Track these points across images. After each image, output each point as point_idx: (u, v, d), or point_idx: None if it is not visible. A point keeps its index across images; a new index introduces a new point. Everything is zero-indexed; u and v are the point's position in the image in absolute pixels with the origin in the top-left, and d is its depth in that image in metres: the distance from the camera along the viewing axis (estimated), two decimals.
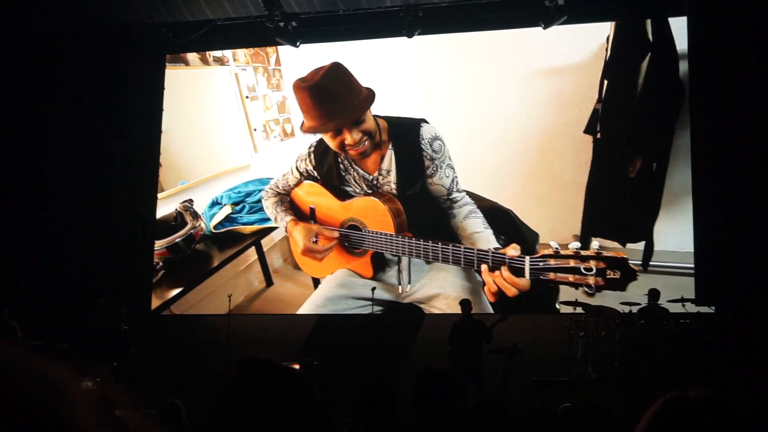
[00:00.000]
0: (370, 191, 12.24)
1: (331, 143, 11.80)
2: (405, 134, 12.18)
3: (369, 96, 11.95)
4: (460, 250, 9.56)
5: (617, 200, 12.61)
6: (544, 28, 12.73)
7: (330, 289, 12.86)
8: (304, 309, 13.13)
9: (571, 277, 7.07)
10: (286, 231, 12.62)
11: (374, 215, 11.90)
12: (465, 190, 12.06)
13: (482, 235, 11.58)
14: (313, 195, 12.55)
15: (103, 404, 0.80)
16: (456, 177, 12.03)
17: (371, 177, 12.21)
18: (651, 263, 12.27)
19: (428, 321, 12.46)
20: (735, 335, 10.53)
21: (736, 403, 1.44)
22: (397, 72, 13.91)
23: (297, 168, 12.75)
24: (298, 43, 13.82)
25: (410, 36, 13.41)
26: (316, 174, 12.59)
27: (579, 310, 11.18)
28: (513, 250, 8.12)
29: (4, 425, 0.75)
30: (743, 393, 8.59)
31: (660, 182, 12.35)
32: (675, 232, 12.24)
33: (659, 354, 10.44)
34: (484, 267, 8.44)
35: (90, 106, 14.19)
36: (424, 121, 12.19)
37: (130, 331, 11.17)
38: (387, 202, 11.92)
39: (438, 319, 12.18)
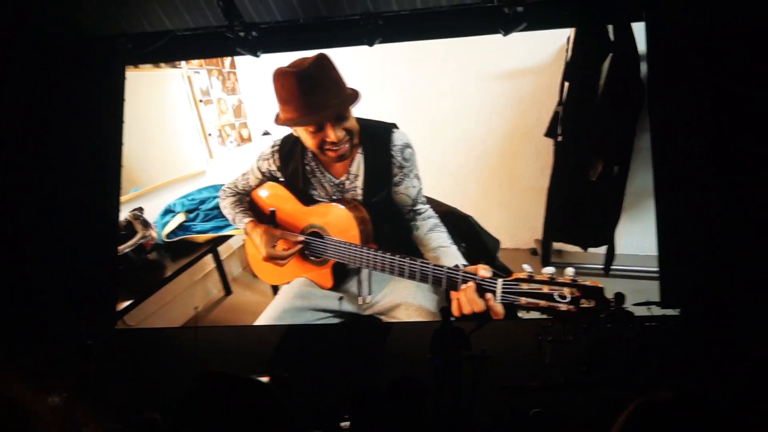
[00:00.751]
0: (335, 196, 11.89)
1: (310, 141, 11.26)
2: (376, 138, 11.70)
3: (354, 92, 11.56)
4: (428, 267, 9.40)
5: (579, 204, 12.51)
6: (504, 35, 12.77)
7: (288, 300, 12.36)
8: (261, 321, 12.68)
9: (543, 303, 7.03)
10: (245, 233, 12.25)
11: (338, 223, 11.55)
12: (425, 195, 11.90)
13: (448, 251, 11.27)
14: (274, 197, 12.15)
15: (67, 422, 0.77)
16: (421, 188, 11.72)
17: (338, 181, 11.84)
18: (613, 267, 12.27)
19: (396, 329, 12.41)
20: (700, 336, 10.62)
21: (704, 403, 1.44)
22: (356, 75, 13.79)
23: (258, 168, 12.34)
24: (258, 53, 13.77)
25: (371, 44, 13.42)
26: (279, 175, 12.22)
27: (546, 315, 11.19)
28: (484, 271, 8.03)
29: None
30: (710, 393, 8.66)
31: (621, 185, 12.30)
32: (637, 235, 12.23)
33: (625, 357, 10.50)
34: (463, 287, 8.32)
35: (49, 118, 14.03)
36: (395, 126, 11.82)
37: (92, 345, 11.02)
38: (353, 210, 11.50)
39: (405, 327, 12.14)
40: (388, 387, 3.58)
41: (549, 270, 7.07)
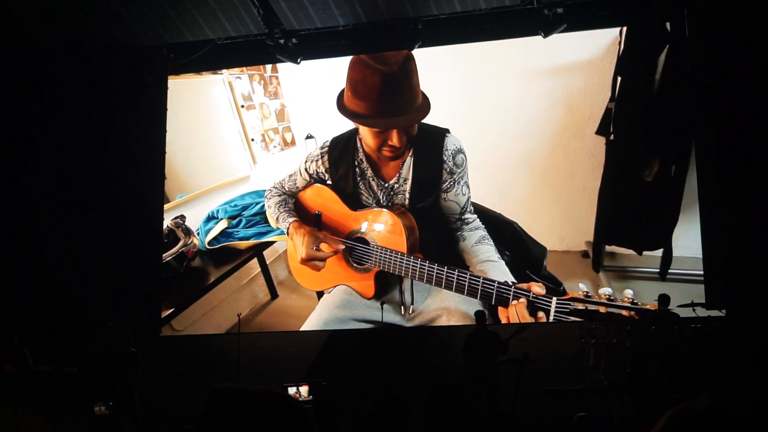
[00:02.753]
0: (383, 201, 11.73)
1: (371, 140, 11.03)
2: (429, 143, 11.52)
3: (426, 102, 11.21)
4: (478, 281, 9.19)
5: (633, 205, 12.02)
6: (544, 36, 12.69)
7: (329, 310, 12.25)
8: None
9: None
10: (287, 233, 12.12)
11: (386, 230, 11.36)
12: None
13: (497, 265, 11.00)
14: (320, 199, 12.03)
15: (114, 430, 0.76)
16: (470, 197, 11.51)
17: (388, 185, 11.72)
18: (670, 271, 11.78)
19: (438, 333, 12.38)
20: (746, 338, 10.48)
21: (742, 411, 1.44)
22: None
23: (306, 169, 12.27)
24: (299, 60, 13.84)
25: (410, 49, 13.39)
26: (327, 177, 12.11)
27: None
28: (538, 288, 7.89)
29: None
30: (756, 397, 8.54)
31: (679, 186, 11.76)
32: (696, 237, 11.71)
33: (671, 359, 10.38)
34: (514, 302, 8.12)
35: (94, 127, 14.22)
36: (448, 131, 11.65)
37: (138, 353, 11.14)
38: (401, 217, 11.33)
39: (449, 330, 12.11)
40: (427, 393, 3.59)
41: (606, 291, 6.95)
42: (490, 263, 11.10)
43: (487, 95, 13.28)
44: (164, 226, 13.68)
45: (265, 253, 13.67)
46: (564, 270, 11.89)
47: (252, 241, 13.60)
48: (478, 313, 11.01)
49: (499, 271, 10.99)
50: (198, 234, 13.80)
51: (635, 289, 11.33)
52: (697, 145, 11.95)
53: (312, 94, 13.78)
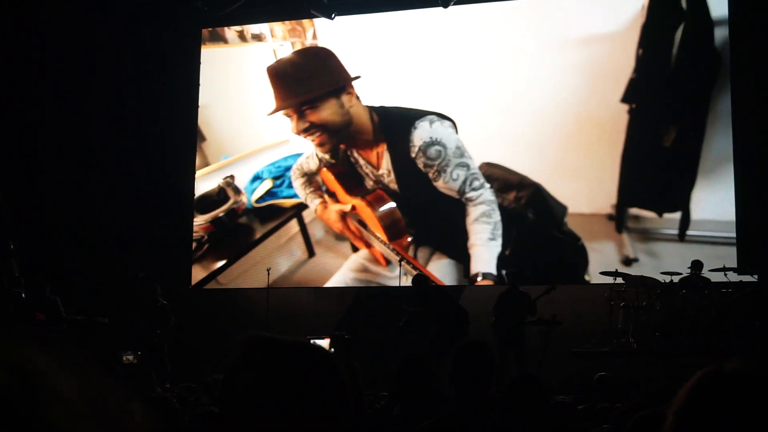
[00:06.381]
0: (380, 187, 12.32)
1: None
2: (398, 134, 12.03)
3: (330, 86, 12.10)
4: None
5: (652, 170, 12.45)
6: None
7: (345, 275, 12.97)
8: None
9: None
10: (316, 214, 12.76)
11: (367, 217, 11.89)
12: (494, 164, 11.87)
13: (480, 251, 11.55)
14: (328, 182, 12.49)
15: (93, 399, 0.74)
16: (471, 174, 11.86)
17: (378, 173, 12.21)
18: (689, 233, 12.12)
19: (469, 292, 12.39)
20: None
21: None
22: (432, 44, 13.77)
23: (316, 153, 12.62)
24: (333, 15, 13.75)
25: (446, 6, 13.25)
26: (333, 161, 12.46)
27: (619, 280, 11.06)
28: None
29: None
30: None
31: (696, 151, 12.16)
32: (714, 201, 12.07)
33: (701, 324, 10.33)
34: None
35: (127, 80, 14.31)
36: (426, 117, 12.10)
37: (168, 306, 11.27)
38: (372, 204, 12.14)
39: (479, 290, 12.14)
40: (455, 351, 3.59)
41: None
42: (476, 248, 11.62)
43: (518, 62, 13.34)
44: (215, 185, 14.23)
45: (303, 213, 14.06)
46: (589, 231, 12.40)
47: (296, 200, 14.02)
48: (510, 273, 11.03)
49: (480, 259, 11.56)
50: (245, 193, 14.31)
51: (656, 250, 12.14)
52: (734, 109, 11.91)
53: (348, 58, 13.82)
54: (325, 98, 12.30)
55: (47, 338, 9.90)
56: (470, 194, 11.85)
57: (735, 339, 10.13)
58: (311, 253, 13.92)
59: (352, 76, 13.04)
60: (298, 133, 12.28)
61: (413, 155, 11.86)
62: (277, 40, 14.54)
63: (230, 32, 14.91)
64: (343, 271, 13.09)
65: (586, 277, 12.21)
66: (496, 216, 11.95)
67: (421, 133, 11.86)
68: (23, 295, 10.54)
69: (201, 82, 14.79)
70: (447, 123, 12.49)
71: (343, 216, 12.71)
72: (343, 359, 3.07)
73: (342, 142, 12.69)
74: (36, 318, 10.39)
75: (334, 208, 12.82)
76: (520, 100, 13.14)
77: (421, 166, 11.88)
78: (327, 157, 12.54)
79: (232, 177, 14.23)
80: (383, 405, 5.52)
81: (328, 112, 12.08)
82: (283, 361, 1.37)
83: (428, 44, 13.75)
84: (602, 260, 12.18)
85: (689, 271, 10.85)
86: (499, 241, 11.88)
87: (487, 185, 12.21)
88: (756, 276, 10.81)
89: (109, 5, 13.97)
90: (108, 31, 14.13)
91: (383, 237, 12.00)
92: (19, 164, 13.27)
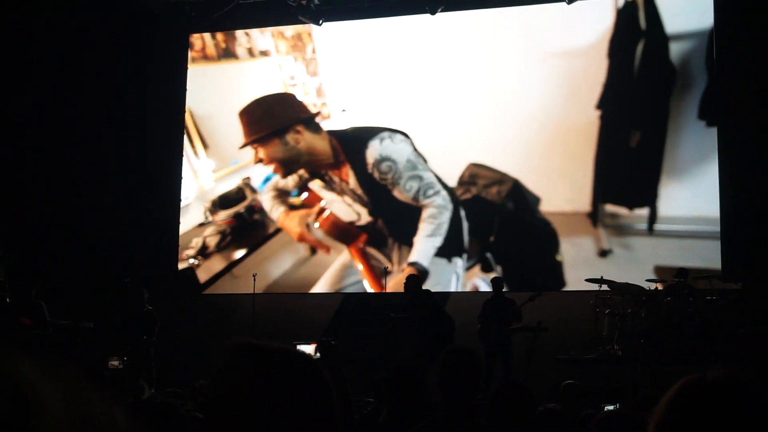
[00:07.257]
0: (358, 201, 13.83)
1: None
2: (355, 155, 13.69)
3: (271, 128, 14.08)
4: None
5: (622, 168, 13.30)
6: (568, 3, 12.69)
7: (329, 281, 14.02)
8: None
9: None
10: (277, 222, 14.56)
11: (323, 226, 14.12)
12: (480, 164, 13.36)
13: (416, 246, 13.23)
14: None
15: (79, 410, 0.75)
16: (425, 185, 13.41)
17: (351, 188, 13.80)
18: (660, 228, 12.78)
19: (454, 299, 12.45)
20: (762, 312, 10.46)
21: (756, 382, 1.42)
22: (419, 50, 13.91)
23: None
24: (320, 21, 13.78)
25: (433, 13, 13.31)
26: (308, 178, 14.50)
27: (605, 287, 11.11)
28: None
29: None
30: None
31: (659, 152, 12.92)
32: (684, 198, 12.78)
33: (685, 331, 10.37)
34: None
35: (114, 85, 14.29)
36: (377, 135, 13.54)
37: (154, 311, 11.23)
38: (318, 215, 13.95)
39: (466, 298, 12.17)
40: (443, 357, 3.60)
41: None
42: (417, 241, 13.28)
43: (504, 69, 13.84)
44: (235, 185, 15.27)
45: None
46: (568, 227, 13.25)
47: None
48: (494, 280, 11.06)
49: (416, 250, 13.29)
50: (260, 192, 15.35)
51: (628, 243, 13.00)
52: (718, 112, 12.10)
53: (346, 72, 14.66)
54: (269, 138, 14.33)
55: (32, 343, 9.85)
56: (424, 201, 13.41)
57: (720, 346, 10.18)
58: (313, 251, 14.65)
59: (313, 112, 14.54)
60: (256, 163, 14.35)
61: (370, 171, 13.48)
62: (281, 55, 15.21)
63: (240, 49, 15.36)
64: (324, 281, 14.17)
65: (565, 279, 13.00)
66: (442, 218, 13.40)
67: (372, 151, 13.51)
68: (8, 299, 10.51)
69: (213, 93, 15.32)
70: (398, 138, 13.68)
71: (306, 224, 14.20)
72: (329, 365, 3.07)
73: (301, 168, 14.34)
74: (21, 322, 10.35)
75: (295, 215, 14.29)
76: (504, 106, 13.68)
77: (377, 179, 13.45)
78: (298, 179, 14.26)
79: (248, 178, 15.15)
80: (369, 411, 5.52)
81: (272, 150, 14.21)
82: (268, 367, 1.36)
83: (416, 50, 13.93)
84: (580, 253, 13.06)
85: (674, 277, 10.92)
86: (439, 239, 13.35)
87: (443, 192, 13.54)
88: (740, 284, 10.90)
89: (95, 11, 13.91)
90: (94, 37, 14.07)
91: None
92: (4, 168, 13.21)
